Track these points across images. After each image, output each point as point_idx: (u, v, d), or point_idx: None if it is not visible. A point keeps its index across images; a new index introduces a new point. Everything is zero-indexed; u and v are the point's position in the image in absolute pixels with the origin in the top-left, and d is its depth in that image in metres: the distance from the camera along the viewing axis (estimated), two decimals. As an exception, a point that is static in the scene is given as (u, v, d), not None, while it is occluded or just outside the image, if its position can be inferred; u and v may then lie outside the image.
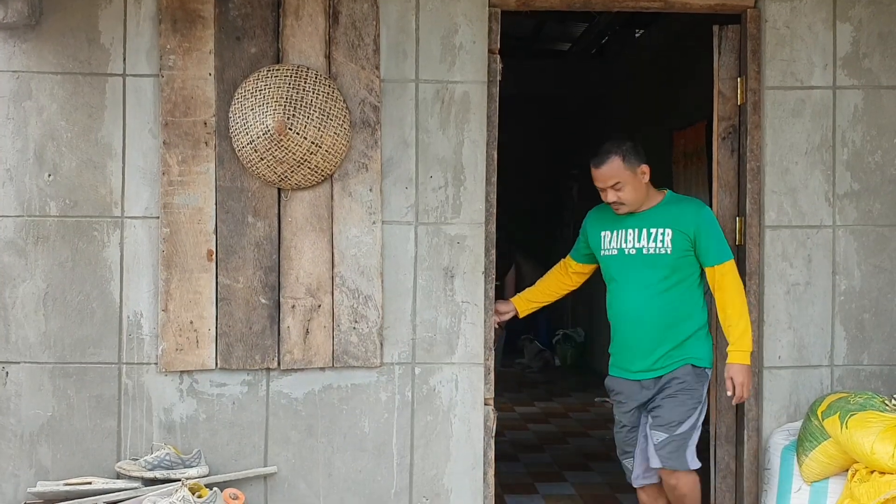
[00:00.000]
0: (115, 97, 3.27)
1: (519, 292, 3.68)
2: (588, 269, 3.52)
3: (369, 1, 3.29)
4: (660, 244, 3.16)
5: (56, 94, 3.26)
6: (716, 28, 3.55)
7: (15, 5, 3.14)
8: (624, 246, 3.23)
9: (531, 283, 3.65)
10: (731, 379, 3.12)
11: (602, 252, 3.32)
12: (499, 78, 3.43)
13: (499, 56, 3.42)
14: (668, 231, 3.16)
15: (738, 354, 3.12)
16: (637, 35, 7.44)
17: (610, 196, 3.20)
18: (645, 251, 3.19)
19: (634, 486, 3.36)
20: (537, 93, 8.79)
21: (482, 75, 3.37)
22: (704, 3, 3.50)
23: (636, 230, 3.21)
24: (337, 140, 3.19)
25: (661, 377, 3.19)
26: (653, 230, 3.17)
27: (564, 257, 3.59)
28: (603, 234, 3.31)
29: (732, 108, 3.54)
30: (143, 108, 3.27)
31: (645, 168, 3.21)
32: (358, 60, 3.29)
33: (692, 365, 3.17)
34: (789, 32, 3.45)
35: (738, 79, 3.52)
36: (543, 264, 10.45)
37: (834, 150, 3.47)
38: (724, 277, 3.13)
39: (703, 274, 3.21)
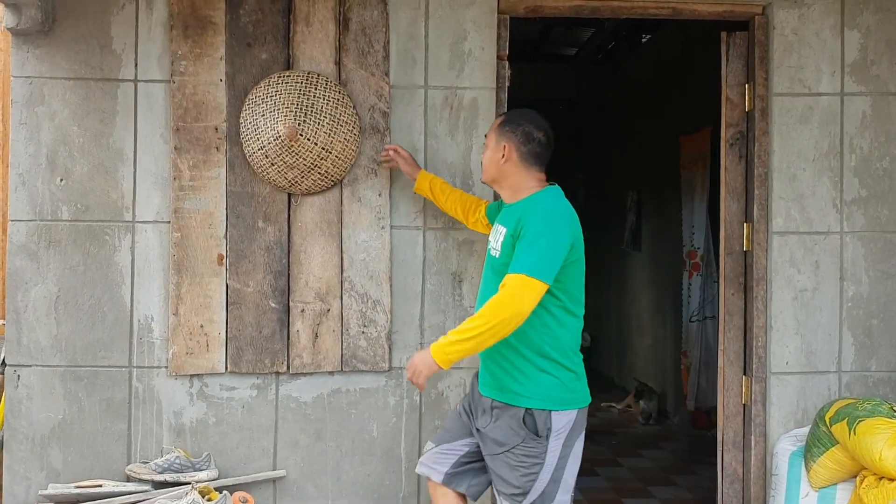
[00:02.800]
0: (127, 102, 3.30)
1: None
2: (484, 223, 3.10)
3: (379, 8, 3.31)
4: (496, 244, 2.69)
5: (68, 100, 3.28)
6: (724, 35, 3.57)
7: (28, 12, 3.17)
8: (491, 241, 2.77)
9: None
10: (412, 360, 2.58)
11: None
12: (507, 84, 3.45)
13: (507, 62, 3.44)
14: (504, 230, 2.65)
15: (436, 346, 2.51)
16: (644, 40, 7.45)
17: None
18: (491, 251, 2.73)
19: (427, 473, 2.79)
20: (543, 97, 8.80)
21: (491, 81, 3.39)
22: (713, 9, 3.51)
23: (496, 226, 2.77)
24: (347, 146, 3.21)
25: (489, 400, 2.66)
26: (500, 227, 2.70)
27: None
28: (493, 222, 2.91)
29: (740, 114, 3.55)
30: (154, 114, 3.30)
31: (508, 147, 2.67)
32: (368, 67, 3.31)
33: (526, 409, 2.57)
34: (797, 39, 3.46)
35: (746, 85, 3.53)
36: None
37: (842, 157, 3.47)
38: (504, 286, 2.49)
39: (561, 298, 2.59)
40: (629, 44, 7.63)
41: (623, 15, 3.61)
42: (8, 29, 3.23)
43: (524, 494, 2.57)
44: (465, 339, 2.48)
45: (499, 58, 3.41)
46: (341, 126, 3.19)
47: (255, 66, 3.28)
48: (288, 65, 3.29)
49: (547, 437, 2.56)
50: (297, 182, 3.23)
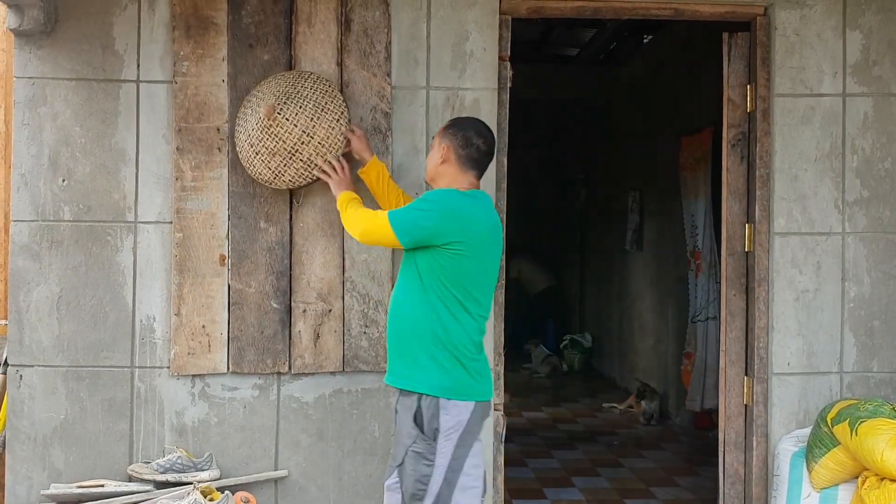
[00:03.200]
0: (129, 103, 3.30)
1: None
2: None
3: (381, 9, 3.32)
4: None
5: (70, 100, 3.29)
6: (725, 35, 3.57)
7: (31, 12, 3.17)
8: None
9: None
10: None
11: None
12: (509, 84, 3.45)
13: (509, 63, 3.44)
14: None
15: (349, 196, 2.93)
16: (645, 41, 7.45)
17: None
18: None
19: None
20: (545, 98, 8.81)
21: (492, 82, 3.39)
22: (714, 10, 3.51)
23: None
24: (331, 133, 3.11)
25: (399, 389, 2.76)
26: None
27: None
28: None
29: (742, 115, 3.55)
30: (156, 114, 3.30)
31: (447, 149, 2.78)
32: (370, 68, 3.31)
33: (419, 394, 2.66)
34: (799, 40, 3.46)
35: (748, 86, 3.53)
36: (546, 266, 10.38)
37: (843, 158, 3.47)
38: (378, 215, 2.75)
39: (452, 290, 2.66)
40: (631, 44, 7.63)
41: (625, 16, 3.61)
42: (10, 29, 3.23)
43: (419, 499, 2.62)
44: (346, 206, 2.90)
45: (500, 59, 3.42)
46: (326, 113, 3.11)
47: (256, 67, 3.29)
48: (290, 66, 3.30)
49: (435, 438, 2.62)
50: (280, 172, 3.13)
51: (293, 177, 3.16)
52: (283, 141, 3.10)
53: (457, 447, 2.63)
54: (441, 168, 2.81)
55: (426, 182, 2.95)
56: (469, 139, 2.80)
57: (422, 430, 2.63)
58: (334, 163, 3.12)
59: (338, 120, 3.15)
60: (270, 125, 3.09)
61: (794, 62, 3.46)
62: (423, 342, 2.67)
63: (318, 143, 3.13)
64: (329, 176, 3.10)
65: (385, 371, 3.31)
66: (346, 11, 3.31)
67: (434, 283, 2.66)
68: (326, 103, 3.14)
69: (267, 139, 3.11)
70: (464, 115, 3.36)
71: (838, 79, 3.47)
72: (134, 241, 3.30)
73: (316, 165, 3.13)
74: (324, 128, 3.13)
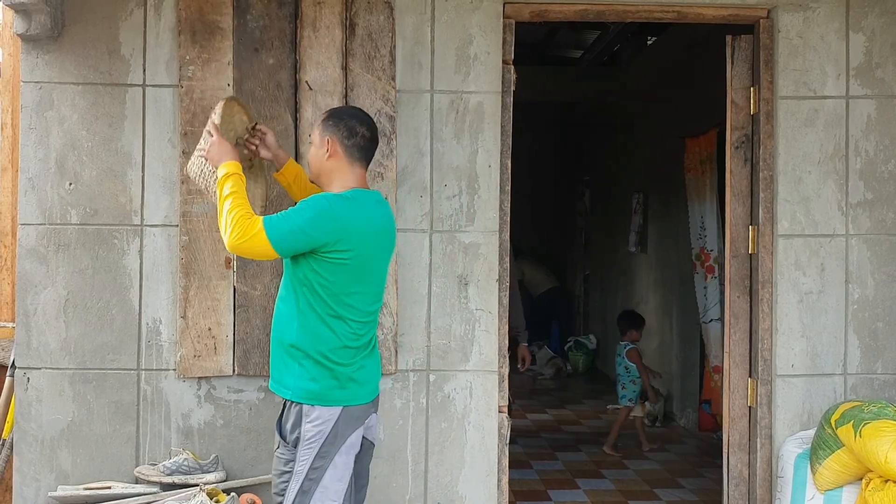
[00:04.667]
0: (135, 107, 3.32)
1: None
2: None
3: (385, 13, 3.33)
4: None
5: (77, 105, 3.31)
6: (729, 38, 3.58)
7: (38, 17, 3.20)
8: None
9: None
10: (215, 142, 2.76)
11: None
12: (513, 88, 3.46)
13: (512, 66, 3.46)
14: None
15: (231, 167, 2.70)
16: (649, 43, 7.46)
17: None
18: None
19: None
20: (549, 100, 8.82)
21: (496, 85, 3.40)
22: (717, 13, 3.52)
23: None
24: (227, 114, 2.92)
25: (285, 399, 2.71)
26: None
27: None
28: None
29: (745, 117, 3.56)
30: (162, 118, 3.32)
31: (332, 142, 2.68)
32: (374, 71, 3.33)
33: (294, 402, 2.63)
34: (802, 42, 3.46)
35: (751, 88, 3.54)
36: (550, 268, 10.38)
37: (847, 160, 3.48)
38: (254, 219, 2.59)
39: (323, 296, 2.61)
40: (635, 46, 7.64)
41: (628, 18, 3.63)
42: (18, 34, 3.26)
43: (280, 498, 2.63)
44: (223, 199, 2.63)
45: (504, 62, 3.43)
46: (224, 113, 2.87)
47: (262, 72, 3.31)
48: (295, 69, 3.32)
49: (296, 445, 2.60)
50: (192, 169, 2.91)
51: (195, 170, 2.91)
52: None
53: (317, 457, 2.57)
54: (328, 163, 2.69)
55: (310, 181, 2.83)
56: (353, 129, 2.69)
57: (283, 437, 2.63)
58: (210, 128, 2.78)
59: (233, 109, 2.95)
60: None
61: (798, 65, 3.47)
62: (292, 348, 2.63)
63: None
64: (211, 135, 2.77)
65: (390, 373, 3.35)
66: (351, 16, 3.33)
67: (304, 290, 2.61)
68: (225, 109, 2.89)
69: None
70: (468, 119, 3.38)
71: (841, 81, 3.47)
72: (140, 244, 3.32)
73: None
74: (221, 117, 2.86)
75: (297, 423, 2.60)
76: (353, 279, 2.62)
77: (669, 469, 5.27)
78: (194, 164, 2.88)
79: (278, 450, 2.68)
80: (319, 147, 2.71)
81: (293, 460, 2.59)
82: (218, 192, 2.66)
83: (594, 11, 3.52)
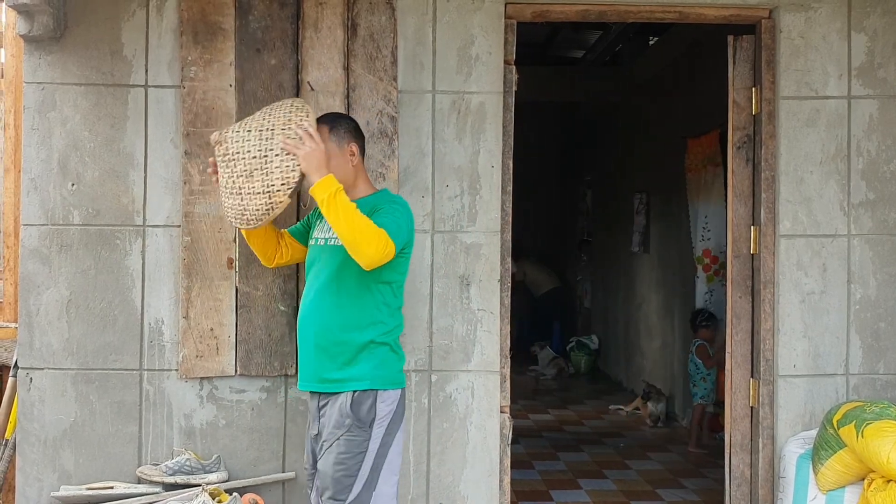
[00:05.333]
0: (138, 108, 3.33)
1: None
2: (294, 246, 2.98)
3: (387, 14, 3.33)
4: (329, 234, 2.74)
5: (80, 105, 3.32)
6: (730, 38, 3.58)
7: (41, 18, 3.20)
8: (320, 235, 2.81)
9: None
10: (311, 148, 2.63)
11: (311, 240, 2.88)
12: (514, 88, 3.47)
13: (514, 66, 3.46)
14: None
15: (334, 184, 2.59)
16: (651, 43, 7.46)
17: None
18: (330, 241, 2.74)
19: None
20: (550, 100, 8.82)
21: (498, 86, 3.40)
22: (719, 13, 3.52)
23: (323, 223, 2.78)
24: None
25: (324, 395, 2.75)
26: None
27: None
28: (318, 222, 2.86)
29: (747, 117, 3.56)
30: (164, 119, 3.33)
31: (354, 148, 2.78)
32: (376, 72, 3.33)
33: (354, 391, 2.68)
34: (804, 43, 3.46)
35: (753, 88, 3.54)
36: (553, 269, 10.40)
37: (849, 160, 3.48)
38: (380, 232, 2.61)
39: (393, 287, 2.75)
40: (637, 46, 7.64)
41: (630, 19, 3.63)
42: (20, 35, 3.26)
43: (347, 487, 2.64)
44: (350, 212, 2.56)
45: (506, 62, 3.43)
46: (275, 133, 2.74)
47: (264, 72, 3.31)
48: (297, 70, 3.32)
49: (370, 426, 2.68)
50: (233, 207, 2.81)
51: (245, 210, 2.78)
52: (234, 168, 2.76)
53: (385, 434, 2.71)
54: (353, 168, 2.80)
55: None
56: (358, 128, 2.88)
57: (359, 419, 2.67)
58: (311, 131, 2.66)
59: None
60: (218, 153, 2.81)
61: (799, 65, 3.46)
62: (372, 344, 2.71)
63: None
64: (297, 148, 2.64)
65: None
66: (353, 16, 3.34)
67: (382, 288, 2.73)
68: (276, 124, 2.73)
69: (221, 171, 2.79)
70: (470, 119, 3.38)
71: (843, 81, 3.47)
72: (142, 244, 3.33)
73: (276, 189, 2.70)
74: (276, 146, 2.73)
75: (372, 405, 2.70)
76: (407, 271, 2.85)
77: (671, 469, 5.27)
78: (284, 170, 2.67)
79: (348, 433, 2.66)
80: (343, 155, 2.77)
81: (368, 439, 2.68)
82: (334, 202, 2.56)
83: (596, 12, 3.53)
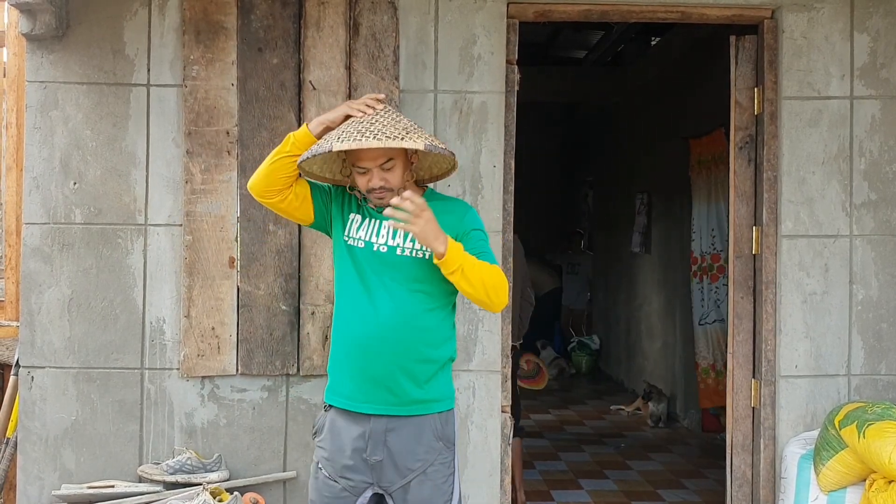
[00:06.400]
0: (140, 107, 3.33)
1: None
2: (304, 201, 2.50)
3: (389, 13, 3.33)
4: (418, 244, 2.40)
5: (82, 104, 3.32)
6: (733, 38, 3.57)
7: (43, 17, 3.21)
8: (383, 242, 2.44)
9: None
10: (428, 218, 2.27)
11: (346, 238, 2.48)
12: (516, 88, 3.46)
13: (516, 66, 3.46)
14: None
15: (459, 248, 2.32)
16: (653, 43, 7.45)
17: (375, 180, 2.38)
18: (406, 251, 2.42)
19: None
20: (553, 100, 8.82)
21: (500, 85, 3.40)
22: (721, 13, 3.52)
23: (378, 221, 2.45)
24: None
25: (393, 418, 2.42)
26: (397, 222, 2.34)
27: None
28: (352, 216, 2.49)
29: (749, 117, 3.56)
30: (166, 118, 3.33)
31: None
32: (378, 71, 3.33)
33: (440, 412, 2.46)
34: (806, 43, 3.46)
35: (755, 89, 3.54)
36: (554, 269, 10.39)
37: (851, 160, 3.47)
38: (499, 272, 2.43)
39: (454, 299, 2.51)
40: (638, 46, 7.64)
41: (632, 19, 3.63)
42: (23, 34, 3.27)
43: None
44: (480, 274, 2.31)
45: (508, 62, 3.43)
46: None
47: (266, 71, 3.31)
48: (298, 69, 3.32)
49: (453, 446, 2.48)
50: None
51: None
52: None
53: (455, 449, 2.54)
54: (410, 174, 2.49)
55: (391, 192, 2.39)
56: None
57: (450, 442, 2.47)
58: (416, 199, 2.28)
59: None
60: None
61: (802, 65, 3.46)
62: (450, 361, 2.50)
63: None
64: (413, 226, 2.29)
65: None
66: (355, 16, 3.33)
67: (452, 299, 2.49)
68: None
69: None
70: (472, 119, 3.38)
71: (846, 81, 3.47)
72: (144, 243, 3.33)
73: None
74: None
75: (453, 424, 2.50)
76: None
77: (673, 470, 5.27)
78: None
79: (440, 457, 2.43)
80: (408, 160, 2.45)
81: (454, 458, 2.49)
82: (465, 275, 2.30)
83: (598, 11, 3.52)
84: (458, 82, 3.38)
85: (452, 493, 2.49)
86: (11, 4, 3.17)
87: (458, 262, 2.30)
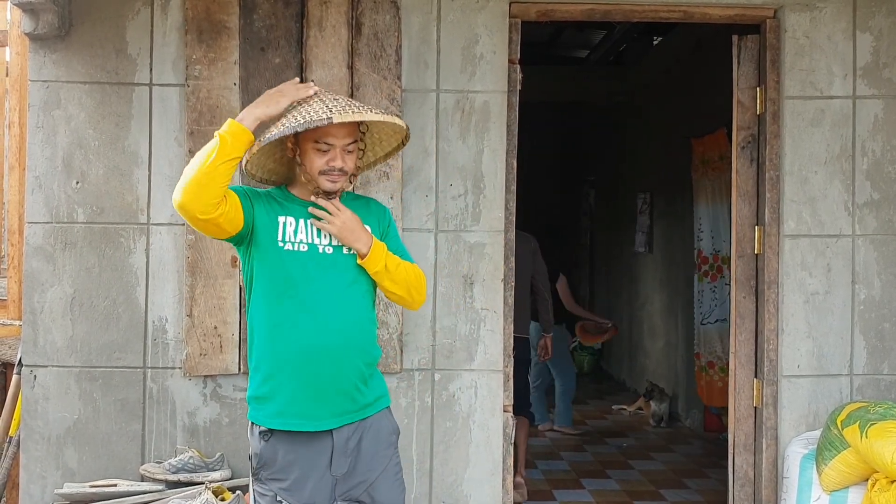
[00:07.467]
0: (142, 106, 3.33)
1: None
2: (235, 209, 2.25)
3: (391, 13, 3.34)
4: (323, 239, 2.32)
5: (84, 104, 3.32)
6: (735, 38, 3.57)
7: (45, 17, 3.21)
8: (324, 242, 2.31)
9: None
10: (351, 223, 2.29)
11: (282, 243, 2.29)
12: (519, 87, 3.46)
13: (518, 66, 3.46)
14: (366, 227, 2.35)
15: (383, 249, 2.32)
16: (655, 43, 7.45)
17: (338, 160, 2.26)
18: (346, 250, 2.32)
19: None
20: (554, 100, 8.81)
21: (502, 85, 3.40)
22: (724, 13, 3.52)
23: (301, 220, 2.32)
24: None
25: (352, 425, 2.32)
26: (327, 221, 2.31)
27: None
28: (282, 219, 2.30)
29: (752, 117, 3.55)
30: (168, 117, 3.33)
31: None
32: (380, 71, 3.33)
33: (387, 407, 2.43)
34: (809, 42, 3.46)
35: (758, 88, 3.53)
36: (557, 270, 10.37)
37: (853, 160, 3.47)
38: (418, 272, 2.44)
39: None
40: (641, 46, 7.63)
41: (634, 18, 3.63)
42: (25, 33, 3.27)
43: None
44: (403, 273, 2.34)
45: (510, 62, 3.43)
46: None
47: (268, 71, 3.31)
48: (301, 69, 3.32)
49: (398, 438, 2.45)
50: None
51: None
52: None
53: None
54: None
55: (345, 175, 2.32)
56: None
57: (397, 436, 2.46)
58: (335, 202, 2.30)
59: None
60: None
61: (804, 64, 3.46)
62: (380, 354, 2.45)
63: None
64: (331, 225, 2.29)
65: (395, 372, 3.34)
66: (357, 15, 3.34)
67: (373, 294, 2.41)
68: None
69: None
70: (474, 118, 3.38)
71: (848, 81, 3.46)
72: (147, 242, 3.33)
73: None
74: None
75: (393, 416, 2.47)
76: None
77: (675, 469, 5.26)
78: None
79: (395, 450, 2.42)
80: (356, 152, 2.37)
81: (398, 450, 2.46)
82: (388, 273, 2.33)
83: (600, 11, 3.52)
84: (460, 82, 3.38)
85: (403, 483, 2.48)
86: (14, 4, 3.17)
87: (382, 261, 2.30)
